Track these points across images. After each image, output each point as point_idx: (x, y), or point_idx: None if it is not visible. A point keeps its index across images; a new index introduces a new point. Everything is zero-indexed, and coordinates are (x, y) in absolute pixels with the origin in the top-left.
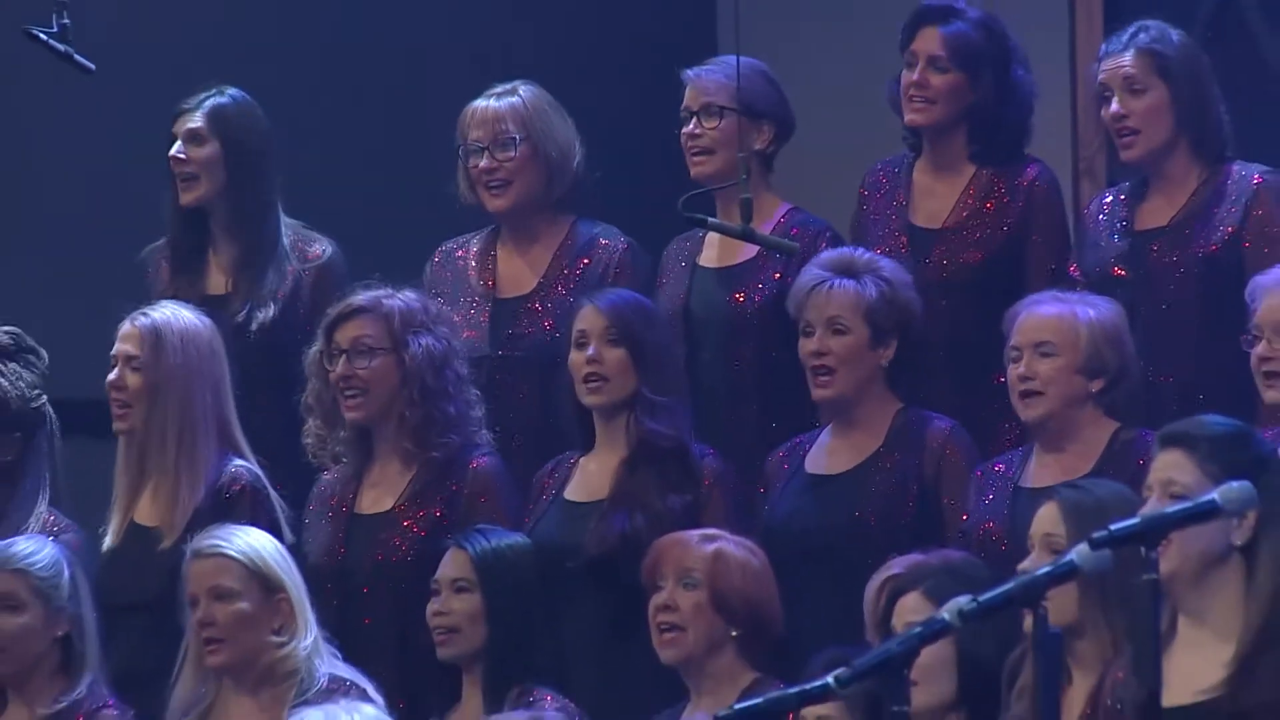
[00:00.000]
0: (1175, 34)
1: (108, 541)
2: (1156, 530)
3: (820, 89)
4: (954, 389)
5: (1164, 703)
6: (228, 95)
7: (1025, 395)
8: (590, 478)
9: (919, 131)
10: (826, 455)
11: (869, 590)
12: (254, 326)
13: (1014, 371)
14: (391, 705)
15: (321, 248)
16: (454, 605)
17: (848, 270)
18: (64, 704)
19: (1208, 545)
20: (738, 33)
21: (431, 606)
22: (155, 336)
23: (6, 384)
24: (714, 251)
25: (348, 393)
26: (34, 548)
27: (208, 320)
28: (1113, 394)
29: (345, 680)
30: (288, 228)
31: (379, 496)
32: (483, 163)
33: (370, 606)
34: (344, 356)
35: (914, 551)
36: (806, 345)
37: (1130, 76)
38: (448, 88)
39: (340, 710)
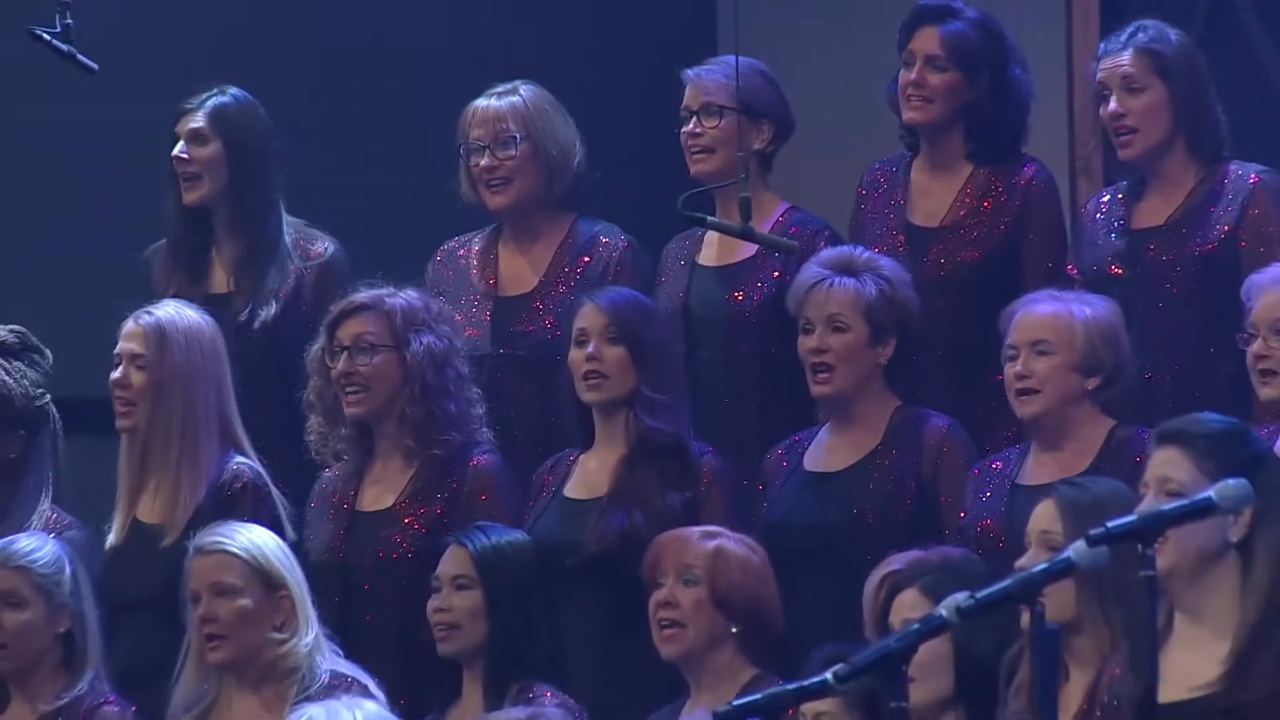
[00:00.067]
0: (1173, 34)
1: (111, 539)
2: (1153, 527)
3: (819, 88)
4: (952, 387)
5: (1160, 699)
6: (229, 95)
7: (1022, 393)
8: (590, 475)
9: (916, 130)
10: (825, 453)
11: (868, 586)
12: (256, 325)
13: (1011, 370)
14: (392, 701)
15: (323, 246)
16: (455, 602)
17: (848, 268)
18: (66, 700)
19: (1204, 542)
20: (737, 33)
21: (432, 603)
22: (160, 335)
23: (11, 382)
24: (713, 250)
25: (348, 389)
26: (36, 545)
27: (209, 319)
28: (1109, 392)
29: (347, 677)
30: (290, 226)
31: (380, 494)
32: (483, 161)
33: (371, 603)
34: (345, 353)
35: (912, 548)
36: (806, 342)
37: (1129, 76)
38: (449, 87)
39: (342, 706)
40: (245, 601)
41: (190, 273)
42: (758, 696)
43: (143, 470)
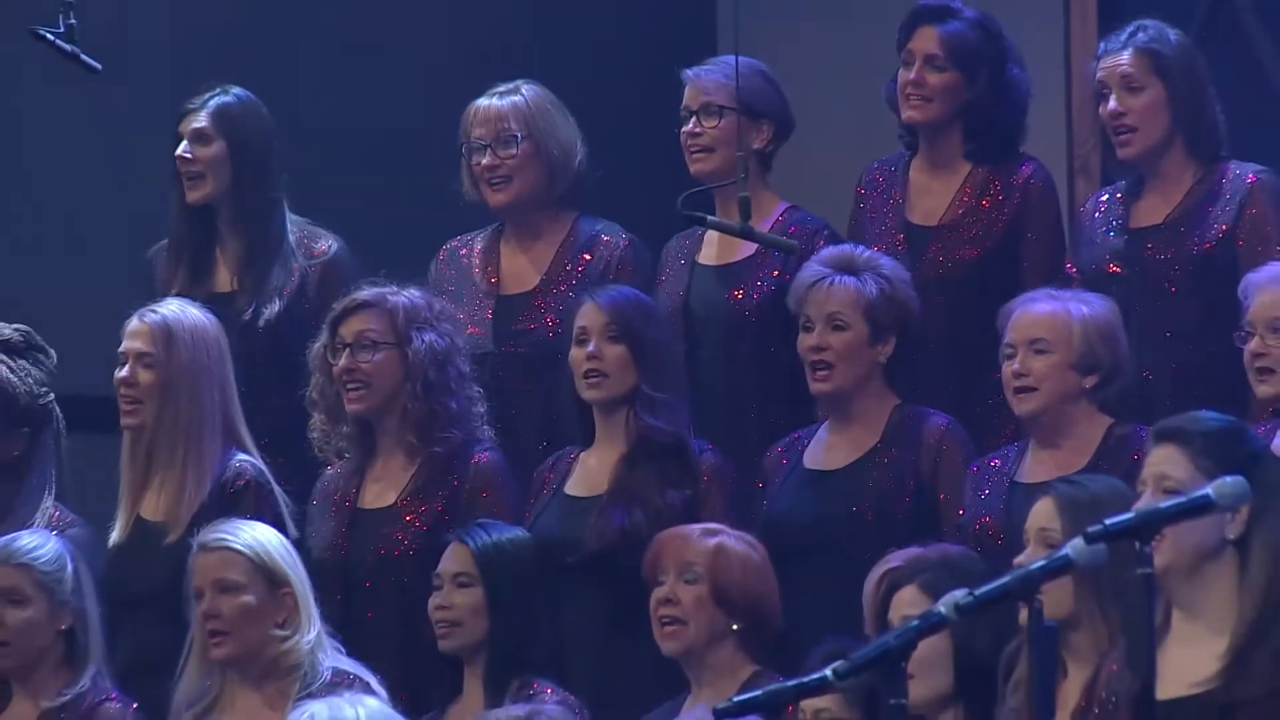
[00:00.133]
0: (1173, 34)
1: (114, 537)
2: (1151, 525)
3: (819, 88)
4: (951, 385)
5: (1158, 695)
6: (232, 94)
7: (1019, 391)
8: (590, 473)
9: (915, 130)
10: (825, 451)
11: (868, 583)
12: (261, 323)
13: (1008, 368)
14: (394, 698)
15: (327, 244)
16: (456, 599)
17: (848, 267)
18: (68, 697)
19: (1201, 539)
20: (736, 32)
21: (433, 600)
22: (167, 333)
23: (16, 380)
24: (713, 249)
25: (349, 386)
26: (38, 542)
27: (212, 317)
28: (1107, 390)
29: (348, 674)
30: (293, 225)
31: (381, 491)
32: (485, 160)
33: (372, 600)
34: (347, 350)
35: (912, 546)
36: (806, 340)
37: (1128, 75)
38: (451, 86)
39: (345, 703)
40: (248, 598)
41: (193, 272)
42: (758, 693)
43: (147, 468)
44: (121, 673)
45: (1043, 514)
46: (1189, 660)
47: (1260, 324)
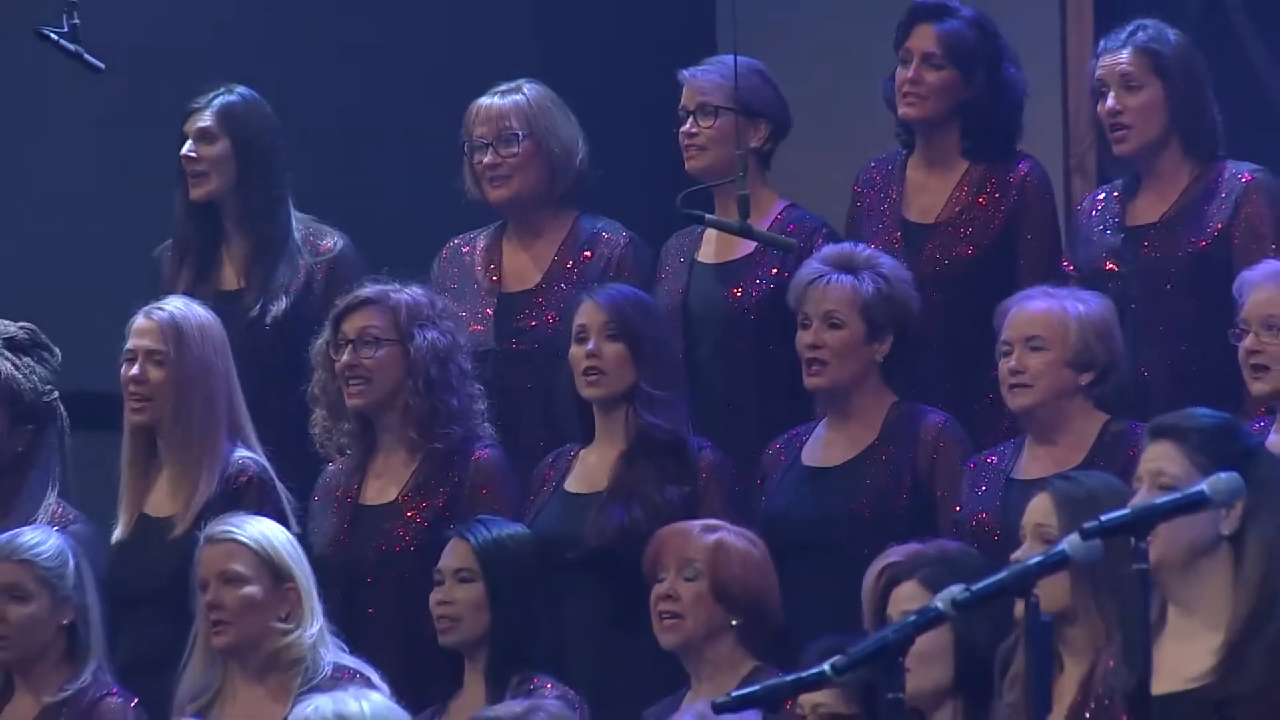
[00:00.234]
0: (1172, 33)
1: (117, 533)
2: (1146, 520)
3: (817, 87)
4: (948, 382)
5: (1153, 690)
6: (237, 94)
7: (1015, 388)
8: (590, 470)
9: (912, 128)
10: (823, 448)
11: (867, 578)
12: (267, 320)
13: (1005, 365)
14: (395, 693)
15: (333, 241)
16: (457, 595)
17: (847, 266)
18: (69, 692)
19: (1196, 535)
20: (735, 32)
21: (435, 596)
22: (176, 330)
23: (20, 377)
24: (712, 247)
25: (351, 381)
26: (40, 538)
27: (213, 314)
28: (1102, 387)
29: (349, 669)
30: (299, 222)
31: (383, 487)
32: (487, 158)
33: (374, 596)
34: (350, 347)
35: (910, 542)
36: (803, 337)
37: (1127, 74)
38: (453, 86)
39: (348, 696)
40: (252, 589)
41: (199, 270)
42: (756, 688)
43: (151, 464)
44: (123, 669)
45: (1039, 510)
46: (1184, 655)
47: (1255, 321)
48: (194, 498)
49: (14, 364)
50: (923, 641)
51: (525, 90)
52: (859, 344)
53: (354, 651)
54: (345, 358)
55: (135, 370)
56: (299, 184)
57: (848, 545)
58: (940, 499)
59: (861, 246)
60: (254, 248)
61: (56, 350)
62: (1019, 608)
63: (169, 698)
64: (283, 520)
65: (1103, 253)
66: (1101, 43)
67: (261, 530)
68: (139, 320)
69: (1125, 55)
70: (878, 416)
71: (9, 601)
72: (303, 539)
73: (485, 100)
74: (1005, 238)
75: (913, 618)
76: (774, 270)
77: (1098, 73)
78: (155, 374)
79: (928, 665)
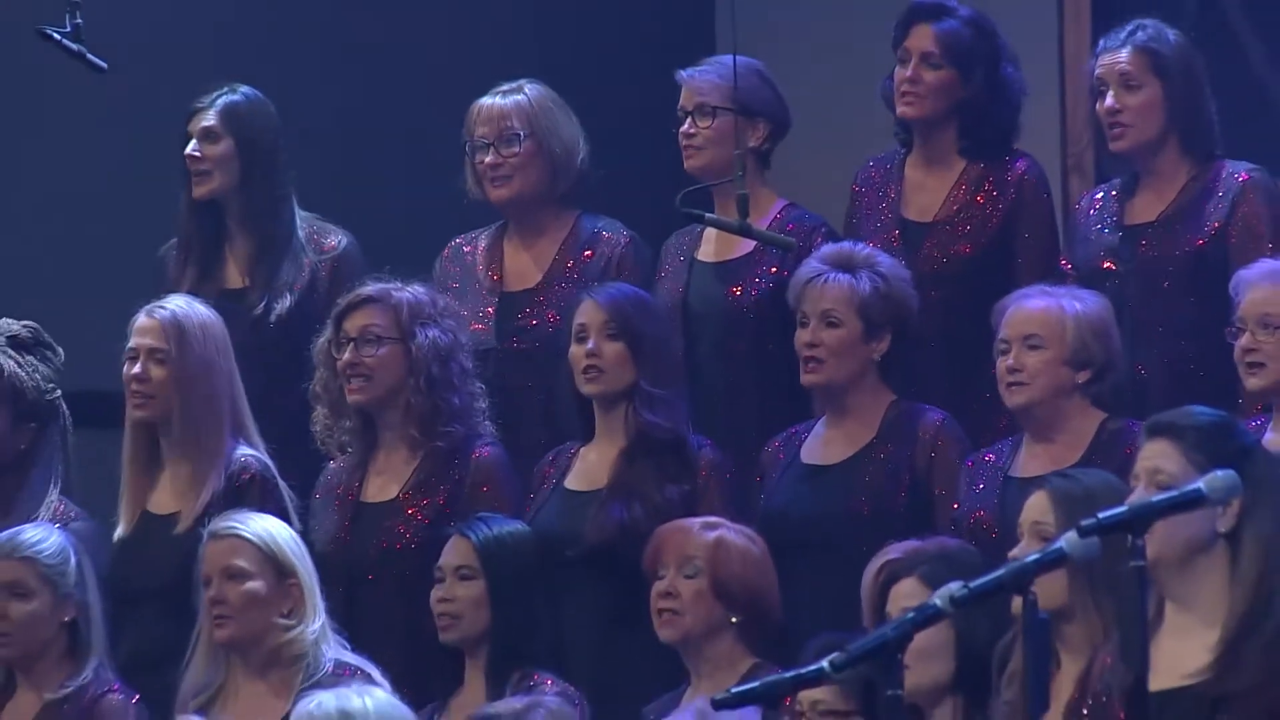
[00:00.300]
0: (1172, 34)
1: (120, 531)
2: (1143, 518)
3: (816, 87)
4: (946, 380)
5: (1151, 687)
6: (240, 93)
7: (1012, 385)
8: (590, 468)
9: (910, 127)
10: (821, 446)
11: (866, 575)
12: (272, 318)
13: (1003, 364)
14: (396, 690)
15: (337, 239)
16: (457, 592)
17: (846, 265)
18: (71, 688)
19: (1193, 533)
20: (735, 32)
21: (435, 593)
22: (179, 329)
23: (24, 375)
24: (711, 246)
25: (352, 378)
26: (41, 535)
27: (215, 312)
28: (1099, 385)
29: (351, 665)
30: (303, 221)
31: (384, 485)
32: (488, 158)
33: (375, 593)
34: (351, 344)
35: (908, 540)
36: (801, 336)
37: (1126, 73)
38: (456, 86)
39: (352, 692)
40: (255, 585)
41: (203, 268)
42: (755, 684)
43: (154, 463)
44: (126, 666)
45: (1037, 507)
46: (1181, 652)
47: (1251, 320)
48: (198, 496)
49: (17, 362)
50: (922, 638)
51: (527, 90)
52: (856, 343)
53: (355, 648)
54: (347, 356)
55: (137, 369)
56: (300, 184)
57: (846, 543)
58: (938, 497)
59: (861, 245)
60: (258, 246)
61: (59, 349)
62: (1016, 605)
63: (171, 695)
64: (285, 517)
65: (1100, 251)
66: (1101, 42)
67: (265, 526)
68: (141, 319)
69: (1125, 54)
70: (876, 415)
71: (11, 599)
72: (304, 536)
73: (487, 100)
74: (1003, 236)
75: (911, 615)
76: (773, 269)
77: (1097, 71)
78: (157, 372)
79: (926, 662)
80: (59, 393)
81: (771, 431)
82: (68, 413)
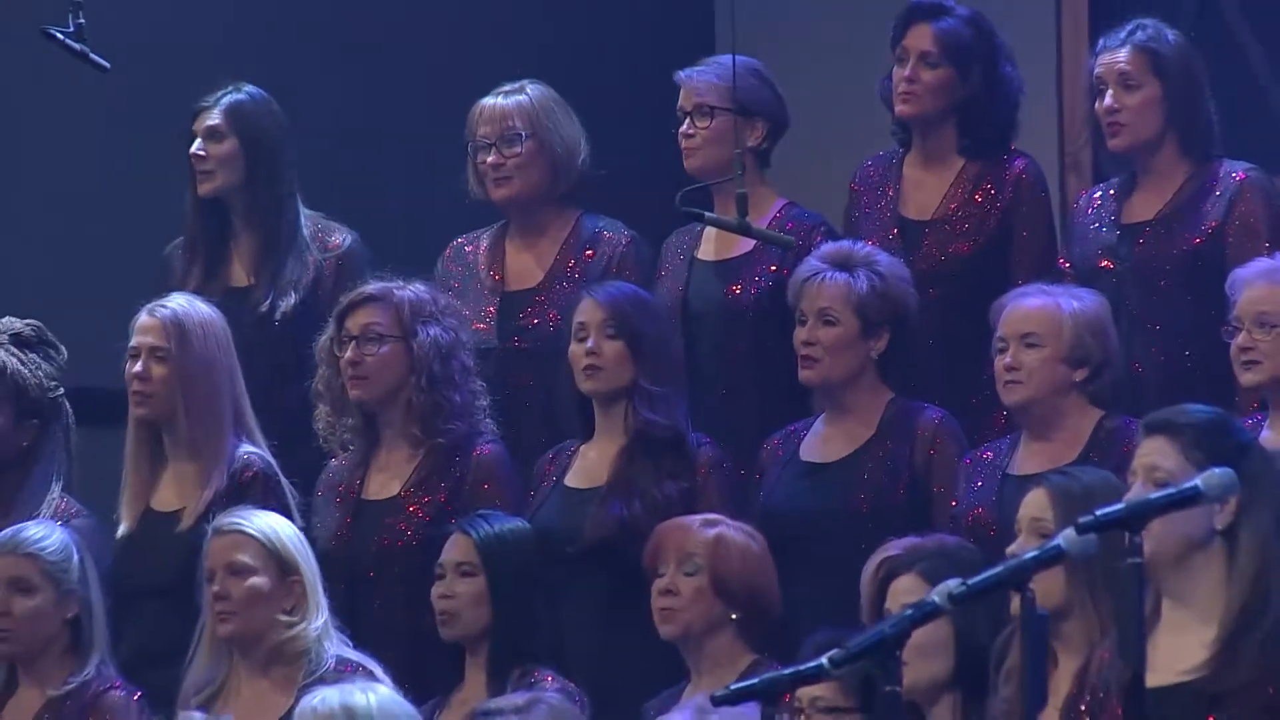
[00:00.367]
0: (1171, 34)
1: (123, 528)
2: (1141, 515)
3: (816, 86)
4: (944, 377)
5: (1148, 683)
6: (245, 92)
7: (1009, 384)
8: (590, 465)
9: (908, 126)
10: (821, 443)
11: (866, 571)
12: (277, 316)
13: (1000, 362)
14: (397, 686)
15: (341, 237)
16: (458, 588)
17: (844, 263)
18: (73, 685)
19: (1191, 530)
20: (734, 31)
21: (436, 589)
22: (179, 327)
23: (26, 373)
24: (711, 245)
25: (353, 376)
26: (45, 532)
27: (217, 310)
28: (1097, 383)
29: (352, 662)
30: (308, 219)
31: (386, 482)
32: (490, 158)
33: (376, 590)
34: (353, 342)
35: (907, 537)
36: (799, 334)
37: (1125, 72)
38: (458, 86)
39: (355, 689)
40: (258, 580)
41: (209, 267)
42: (754, 681)
43: (158, 460)
44: (128, 662)
45: (1035, 504)
46: (1178, 648)
47: (1247, 319)
48: (201, 493)
49: (20, 359)
50: (920, 635)
51: (528, 90)
52: (853, 341)
53: (356, 645)
54: (348, 354)
55: (139, 367)
56: (302, 184)
57: (845, 540)
58: (937, 494)
59: (860, 244)
60: (263, 244)
61: (62, 348)
62: (1015, 602)
63: (174, 691)
64: (287, 515)
65: (1098, 250)
66: (1101, 41)
67: (269, 523)
68: (142, 317)
69: (1124, 54)
70: (875, 412)
71: (14, 594)
72: (306, 533)
73: (489, 100)
74: (1001, 235)
75: (910, 611)
76: (772, 268)
77: (1096, 70)
78: (158, 371)
79: (925, 659)
80: (62, 390)
81: (771, 430)
82: (70, 411)
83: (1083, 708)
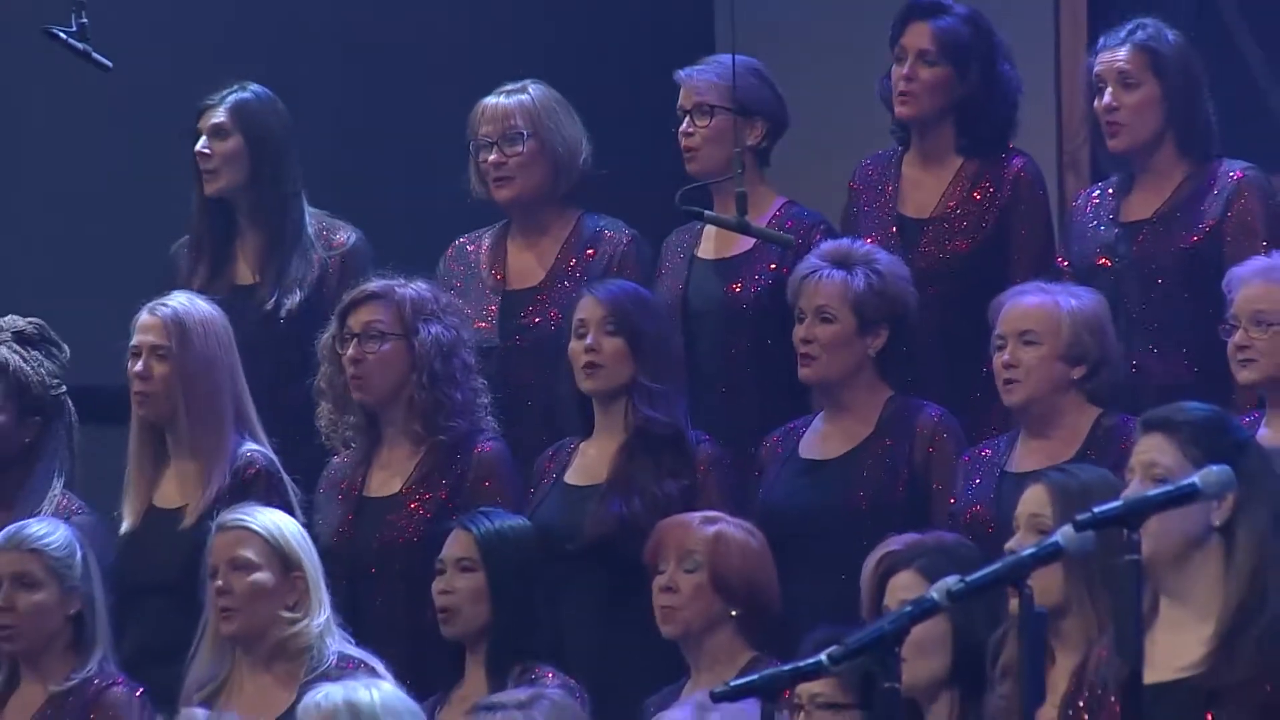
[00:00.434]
0: (1171, 34)
1: (126, 525)
2: (1138, 512)
3: (815, 85)
4: (943, 374)
5: (1146, 680)
6: (251, 91)
7: (1009, 382)
8: (589, 462)
9: (907, 125)
10: (820, 441)
11: (866, 566)
12: (282, 314)
13: (999, 359)
14: (398, 682)
15: (346, 235)
16: (458, 584)
17: (843, 261)
18: (75, 680)
19: (1188, 527)
20: (734, 30)
21: (436, 585)
22: (180, 326)
23: (29, 369)
24: (711, 244)
25: (354, 375)
26: (49, 528)
27: (218, 308)
28: (1094, 381)
29: (354, 659)
30: (312, 217)
31: (387, 479)
32: (491, 157)
33: (377, 586)
34: (355, 340)
35: (907, 533)
36: (797, 331)
37: (1124, 71)
38: (460, 86)
39: (359, 685)
40: (261, 576)
41: (215, 265)
42: (754, 677)
43: (160, 458)
44: (131, 659)
45: (1034, 500)
46: (1176, 645)
47: (1244, 317)
48: (204, 491)
49: (22, 356)
50: (918, 632)
51: (530, 90)
52: (850, 338)
53: (357, 641)
54: (350, 351)
55: (139, 366)
56: (305, 184)
57: (844, 537)
58: (936, 492)
59: (860, 242)
60: (268, 243)
61: (65, 347)
62: (1013, 599)
63: (176, 688)
64: (290, 512)
65: (1096, 248)
66: (1101, 39)
67: (273, 519)
68: (143, 316)
69: (1124, 52)
70: (873, 410)
71: (18, 590)
72: (308, 530)
73: (491, 100)
74: (999, 233)
75: (909, 608)
76: (772, 266)
77: (1096, 68)
78: (159, 369)
79: (923, 656)
80: (64, 389)
81: (771, 428)
82: (73, 409)
83: (1081, 704)
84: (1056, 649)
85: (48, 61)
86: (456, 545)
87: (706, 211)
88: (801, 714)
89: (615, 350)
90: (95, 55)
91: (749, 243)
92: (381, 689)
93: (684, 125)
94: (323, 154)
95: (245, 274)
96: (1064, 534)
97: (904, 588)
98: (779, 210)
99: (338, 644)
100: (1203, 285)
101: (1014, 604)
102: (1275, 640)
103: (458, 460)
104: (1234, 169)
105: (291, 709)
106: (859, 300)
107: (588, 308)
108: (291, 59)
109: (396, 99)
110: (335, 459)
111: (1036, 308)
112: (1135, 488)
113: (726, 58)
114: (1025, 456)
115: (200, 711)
